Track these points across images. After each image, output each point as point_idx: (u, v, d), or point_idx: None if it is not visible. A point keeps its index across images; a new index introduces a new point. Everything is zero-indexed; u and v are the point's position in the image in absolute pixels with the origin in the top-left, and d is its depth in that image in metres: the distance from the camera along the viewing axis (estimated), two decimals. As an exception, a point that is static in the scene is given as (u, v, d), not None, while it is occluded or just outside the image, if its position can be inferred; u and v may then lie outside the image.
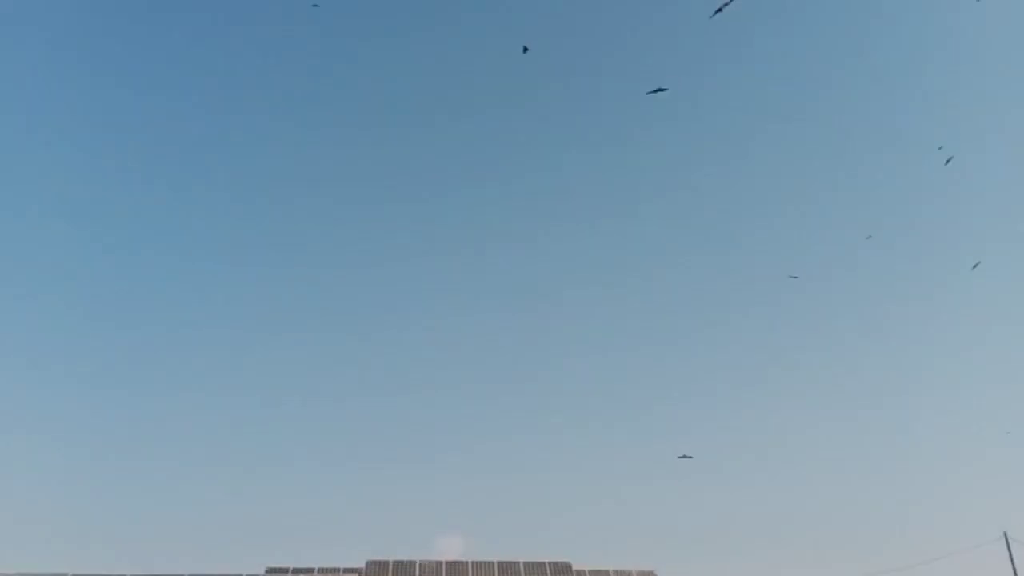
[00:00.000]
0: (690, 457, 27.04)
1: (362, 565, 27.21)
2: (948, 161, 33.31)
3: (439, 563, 27.58)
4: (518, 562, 27.78)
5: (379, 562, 27.21)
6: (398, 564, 27.15)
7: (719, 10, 19.19)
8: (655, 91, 22.31)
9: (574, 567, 28.22)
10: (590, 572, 29.10)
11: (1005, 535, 37.30)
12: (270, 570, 28.70)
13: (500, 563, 27.83)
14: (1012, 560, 36.74)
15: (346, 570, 28.03)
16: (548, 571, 27.08)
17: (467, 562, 27.60)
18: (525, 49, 23.42)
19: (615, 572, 29.88)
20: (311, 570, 28.12)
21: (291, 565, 28.96)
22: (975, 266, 39.86)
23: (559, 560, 27.89)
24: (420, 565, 27.23)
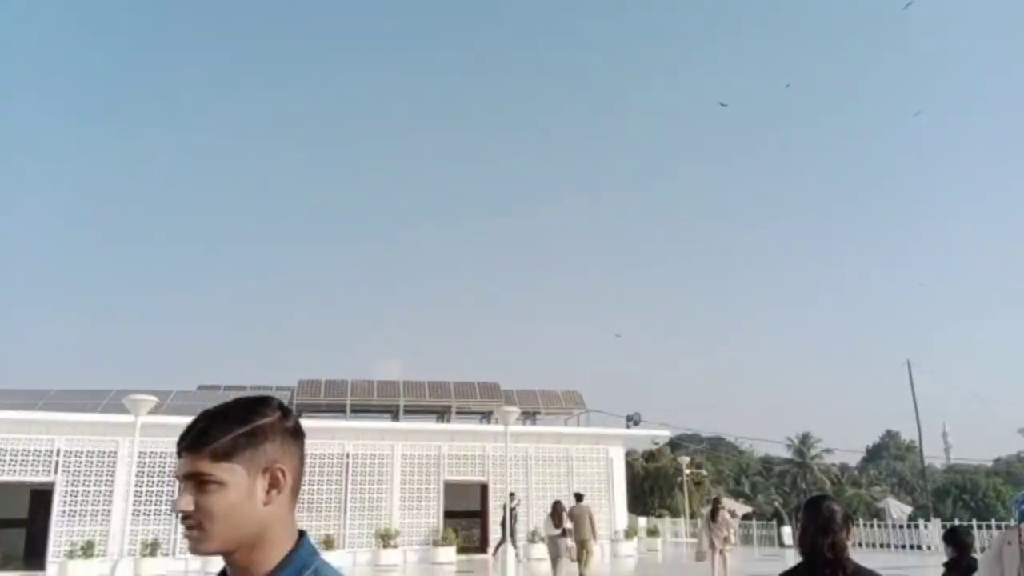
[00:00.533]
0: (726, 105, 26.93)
1: (294, 384, 27.82)
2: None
3: (371, 382, 28.41)
4: (448, 382, 28.82)
5: (311, 381, 27.83)
6: (330, 383, 27.84)
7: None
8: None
9: (502, 387, 29.44)
10: (518, 392, 30.40)
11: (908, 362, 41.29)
12: (202, 387, 29.20)
13: (431, 383, 28.82)
14: (912, 384, 41.02)
15: (278, 388, 28.68)
16: (477, 391, 28.18)
17: (398, 381, 28.51)
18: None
19: (542, 392, 31.32)
20: (244, 387, 28.64)
21: (223, 383, 29.51)
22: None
23: (488, 381, 29.02)
24: (352, 384, 27.98)
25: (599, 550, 21.14)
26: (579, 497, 16.99)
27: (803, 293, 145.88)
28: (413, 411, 29.18)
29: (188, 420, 1.44)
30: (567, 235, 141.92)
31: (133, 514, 21.02)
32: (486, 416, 29.73)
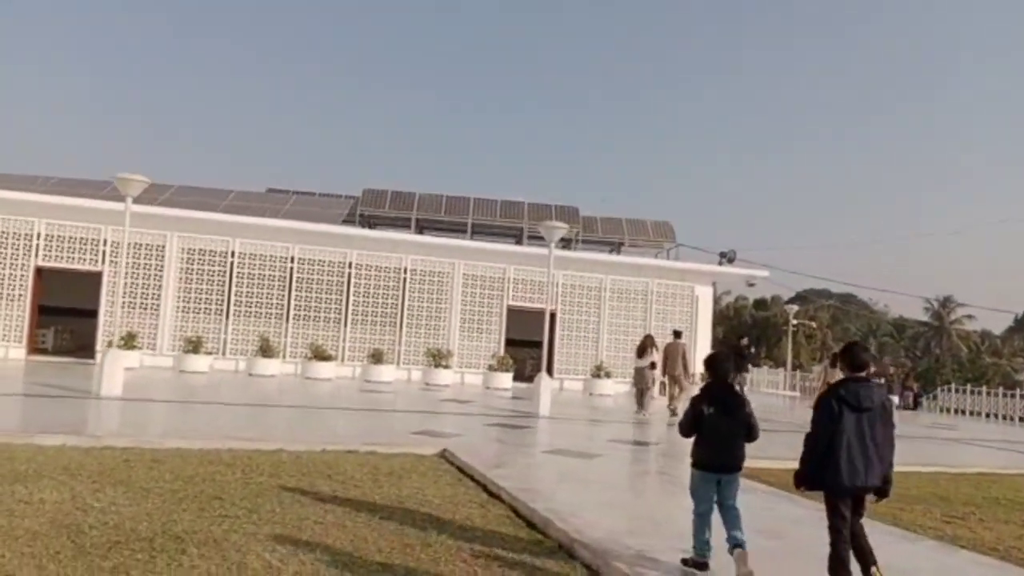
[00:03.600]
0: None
1: (359, 194, 26.14)
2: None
3: (439, 196, 26.40)
4: (522, 202, 26.46)
5: (376, 191, 26.08)
6: (396, 195, 26.01)
7: None
8: None
9: (582, 213, 26.82)
10: (601, 220, 27.75)
11: None
12: (271, 190, 28.10)
13: (504, 202, 26.54)
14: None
15: (347, 196, 27.17)
16: (552, 214, 25.70)
17: (468, 198, 26.35)
18: None
19: (628, 221, 28.51)
20: (312, 193, 27.30)
21: (291, 188, 28.28)
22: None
23: (567, 204, 26.40)
24: (420, 197, 26.07)
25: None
26: (677, 334, 17.43)
27: (962, 147, 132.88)
28: (483, 231, 27.20)
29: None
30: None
31: (179, 310, 20.49)
32: (567, 243, 27.39)
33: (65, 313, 22.57)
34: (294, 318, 21.31)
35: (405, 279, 22.28)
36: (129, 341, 19.18)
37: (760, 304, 72.54)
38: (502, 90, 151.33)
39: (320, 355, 20.32)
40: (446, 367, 21.19)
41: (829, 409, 4.56)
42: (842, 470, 4.50)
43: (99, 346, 19.49)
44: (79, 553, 4.71)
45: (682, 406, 16.39)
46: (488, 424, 13.23)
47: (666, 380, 17.18)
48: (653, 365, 16.30)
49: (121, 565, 4.55)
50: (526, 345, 23.78)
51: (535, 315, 23.73)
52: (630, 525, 6.45)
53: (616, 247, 28.66)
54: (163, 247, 20.62)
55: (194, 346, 19.65)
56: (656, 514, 7.18)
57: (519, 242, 26.66)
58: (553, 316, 23.64)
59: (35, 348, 20.41)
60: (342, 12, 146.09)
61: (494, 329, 22.93)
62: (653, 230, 28.30)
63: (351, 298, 21.76)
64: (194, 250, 20.84)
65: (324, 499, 6.70)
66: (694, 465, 5.08)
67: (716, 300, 61.83)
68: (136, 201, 21.73)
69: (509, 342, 22.97)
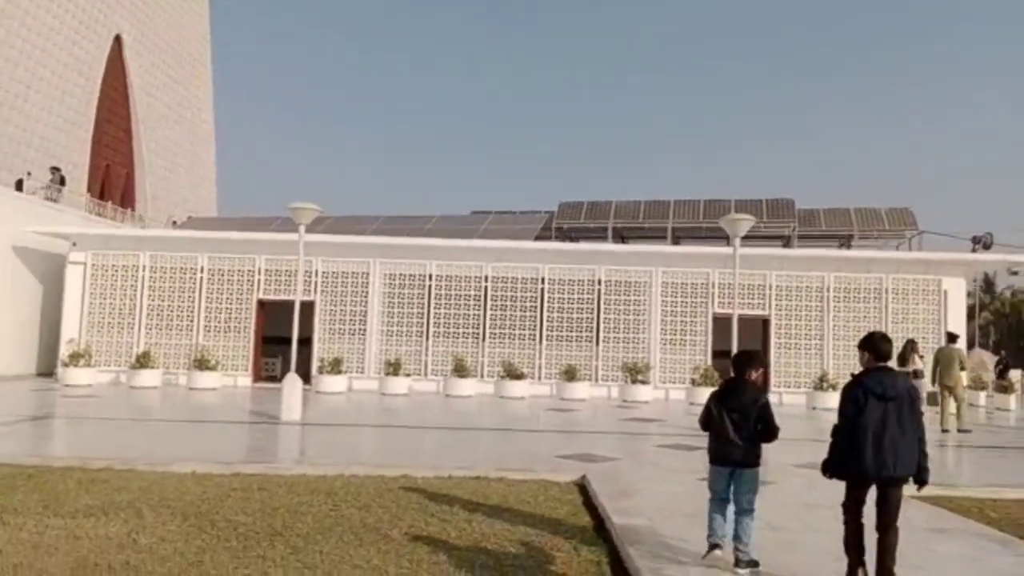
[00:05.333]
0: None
1: (554, 208, 25.66)
2: None
3: (637, 203, 25.11)
4: (728, 200, 24.32)
5: (572, 204, 25.42)
6: (592, 205, 25.15)
7: None
8: None
9: (797, 205, 24.12)
10: (824, 212, 24.85)
11: None
12: (474, 212, 28.58)
13: (707, 202, 24.60)
14: None
15: (546, 212, 26.83)
16: (764, 209, 23.37)
17: (668, 201, 24.75)
18: None
19: (857, 211, 25.26)
20: (513, 212, 27.32)
21: (493, 209, 28.52)
22: None
23: (778, 197, 23.88)
24: (616, 206, 24.98)
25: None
26: (951, 337, 15.99)
27: None
28: (686, 235, 25.44)
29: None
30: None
31: (383, 334, 21.16)
32: (784, 240, 24.85)
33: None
34: (489, 337, 21.19)
35: (600, 291, 21.31)
36: (335, 366, 20.10)
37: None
38: (705, 82, 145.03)
39: (512, 374, 19.95)
40: (644, 382, 19.85)
41: (854, 399, 4.62)
42: (866, 459, 4.54)
43: (313, 372, 20.64)
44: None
45: (962, 421, 14.18)
46: (661, 445, 11.87)
47: (937, 391, 15.20)
48: (916, 374, 14.29)
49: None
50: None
51: (745, 323, 21.65)
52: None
53: (845, 241, 25.50)
54: (367, 274, 21.50)
55: (394, 368, 20.16)
56: None
57: (728, 244, 24.55)
58: (767, 323, 21.42)
59: (262, 376, 22.11)
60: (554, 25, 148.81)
61: (699, 340, 21.18)
62: (889, 219, 24.76)
63: (545, 314, 21.22)
64: (395, 275, 21.50)
65: (388, 538, 5.98)
66: (710, 460, 5.41)
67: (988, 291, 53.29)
68: (345, 231, 22.79)
69: (716, 354, 21.07)
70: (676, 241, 24.80)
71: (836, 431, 4.71)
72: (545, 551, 5.75)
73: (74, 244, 21.37)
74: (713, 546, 5.21)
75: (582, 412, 16.93)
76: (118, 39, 36.98)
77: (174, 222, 33.76)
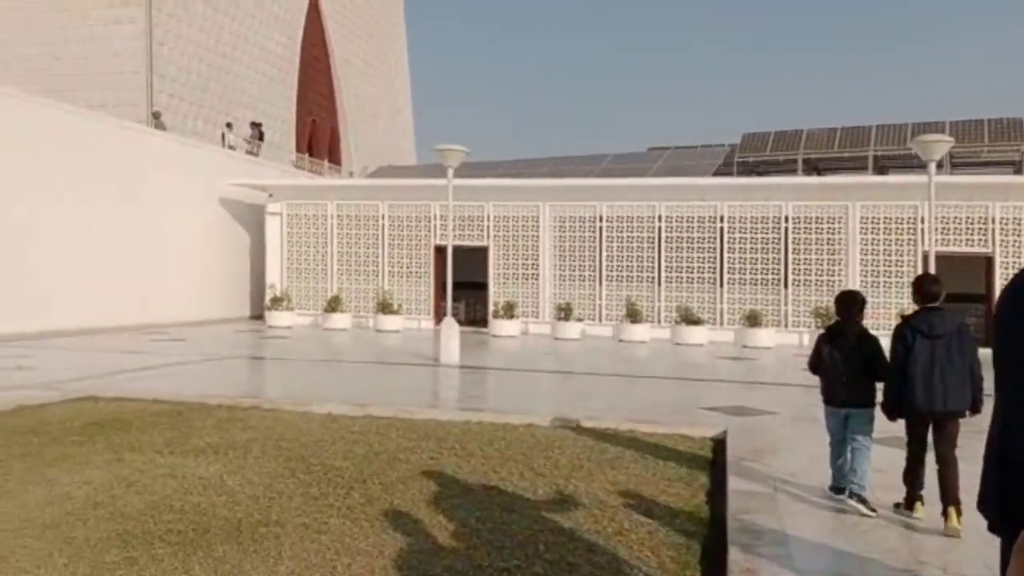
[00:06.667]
0: None
1: (737, 140, 23.70)
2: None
3: (832, 131, 22.47)
4: (942, 122, 21.04)
5: (756, 134, 23.33)
6: (779, 135, 22.91)
7: None
8: None
9: (1031, 124, 20.43)
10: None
11: None
12: (651, 149, 27.19)
13: (916, 125, 21.44)
14: None
15: (729, 145, 24.91)
16: (985, 131, 20.03)
17: (869, 127, 21.89)
18: None
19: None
20: (693, 147, 25.71)
21: (671, 144, 26.97)
22: None
23: (1005, 117, 20.29)
24: (808, 134, 22.55)
25: None
26: None
27: None
28: (892, 163, 22.46)
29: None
30: None
31: (556, 279, 20.90)
32: (1015, 166, 21.44)
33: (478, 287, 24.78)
34: (665, 280, 20.20)
35: (787, 229, 19.51)
36: (508, 310, 20.15)
37: None
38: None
39: (689, 319, 18.93)
40: (837, 328, 18.00)
41: (903, 338, 4.84)
42: (917, 395, 4.73)
43: (489, 316, 20.86)
44: (120, 538, 4.45)
45: None
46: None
47: None
48: None
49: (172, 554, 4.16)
50: (954, 300, 19.07)
51: (964, 261, 18.91)
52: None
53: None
54: (537, 218, 21.21)
55: (565, 313, 19.84)
56: None
57: (940, 171, 21.48)
58: (990, 261, 18.61)
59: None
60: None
61: (906, 282, 18.82)
62: None
63: (725, 255, 19.82)
64: (565, 218, 21.03)
65: (469, 490, 5.63)
66: (824, 401, 5.53)
67: None
68: (515, 175, 22.63)
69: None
70: (880, 171, 22.08)
71: (888, 372, 4.96)
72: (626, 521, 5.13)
73: (270, 195, 22.94)
74: (836, 489, 5.38)
75: (763, 361, 15.69)
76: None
77: (368, 172, 35.43)
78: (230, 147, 26.36)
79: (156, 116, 26.15)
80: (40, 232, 17.62)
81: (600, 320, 20.61)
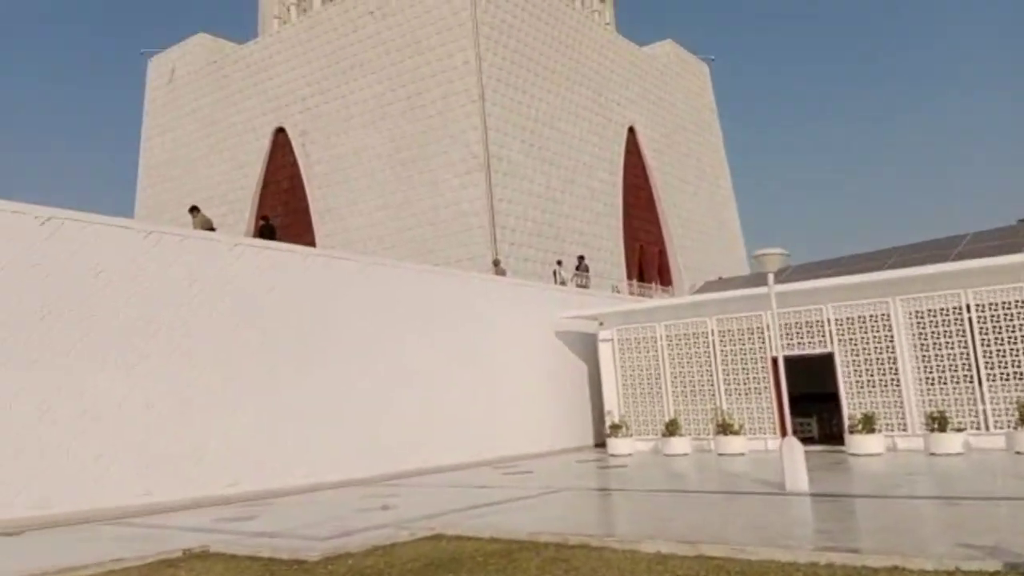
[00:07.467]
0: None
1: None
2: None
3: None
4: None
5: None
6: None
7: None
8: None
9: None
10: None
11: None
12: (1021, 221, 22.98)
13: None
14: None
15: None
16: None
17: None
18: None
19: None
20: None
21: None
22: None
23: None
24: None
25: None
26: None
27: None
28: None
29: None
30: None
31: (921, 382, 18.28)
32: None
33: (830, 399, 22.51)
34: (1071, 375, 16.43)
35: None
36: (867, 423, 17.85)
37: None
38: None
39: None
40: None
41: None
42: None
43: (845, 432, 18.71)
44: None
45: None
46: None
47: None
48: None
49: None
50: None
51: None
52: None
53: None
54: (887, 315, 18.85)
55: (939, 423, 16.98)
56: None
57: None
58: None
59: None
60: None
61: None
62: None
63: None
64: (922, 312, 18.40)
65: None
66: None
67: None
68: (855, 271, 20.82)
69: None
70: None
71: None
72: None
73: (601, 323, 23.45)
74: None
75: None
76: (631, 130, 40.73)
77: (695, 289, 34.95)
78: (561, 282, 27.77)
79: (496, 264, 28.67)
80: (404, 379, 19.66)
81: (987, 428, 17.29)
